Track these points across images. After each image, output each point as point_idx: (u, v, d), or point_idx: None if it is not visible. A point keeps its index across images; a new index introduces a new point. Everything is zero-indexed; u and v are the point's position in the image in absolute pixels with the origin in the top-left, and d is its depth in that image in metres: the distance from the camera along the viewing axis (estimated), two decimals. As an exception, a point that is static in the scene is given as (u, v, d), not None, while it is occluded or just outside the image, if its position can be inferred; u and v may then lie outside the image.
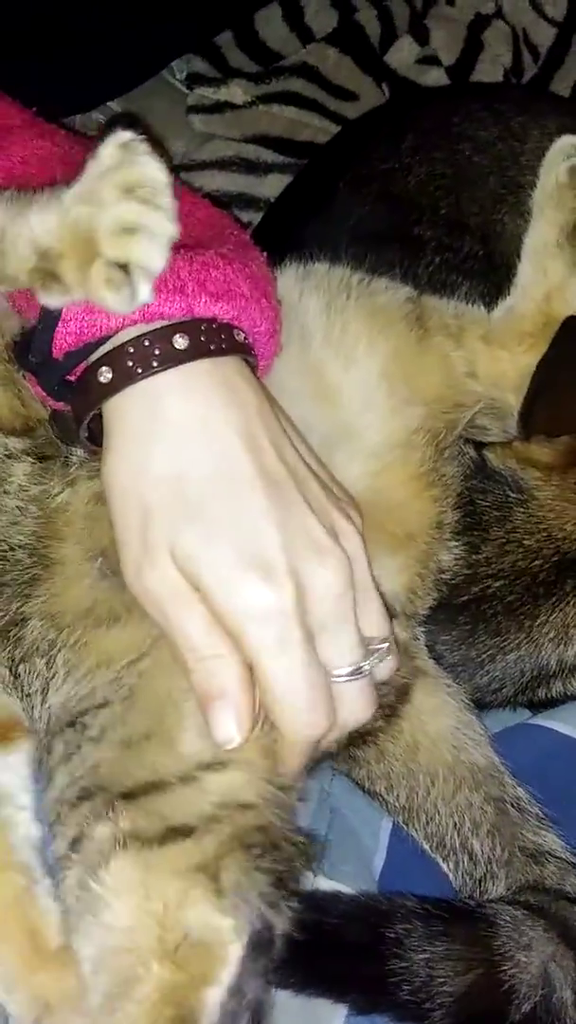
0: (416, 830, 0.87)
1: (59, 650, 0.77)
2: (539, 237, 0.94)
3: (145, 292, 0.67)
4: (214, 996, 0.65)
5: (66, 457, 0.79)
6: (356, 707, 0.73)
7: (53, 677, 0.77)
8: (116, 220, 0.66)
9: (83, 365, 0.72)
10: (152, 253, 0.66)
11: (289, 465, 0.72)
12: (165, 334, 0.70)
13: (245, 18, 1.49)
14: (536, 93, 1.48)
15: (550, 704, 1.00)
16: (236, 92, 1.45)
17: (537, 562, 0.95)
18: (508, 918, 0.78)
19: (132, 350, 0.69)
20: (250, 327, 0.75)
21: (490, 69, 1.51)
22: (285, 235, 1.18)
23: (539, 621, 0.95)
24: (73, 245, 0.68)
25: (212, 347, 0.71)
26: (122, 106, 1.40)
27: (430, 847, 0.87)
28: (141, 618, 0.74)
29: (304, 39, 1.49)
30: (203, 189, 1.33)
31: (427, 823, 0.87)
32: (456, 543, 0.94)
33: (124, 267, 0.67)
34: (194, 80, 1.47)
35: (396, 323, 0.92)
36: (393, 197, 1.18)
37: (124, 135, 0.68)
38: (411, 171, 1.21)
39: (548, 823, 0.87)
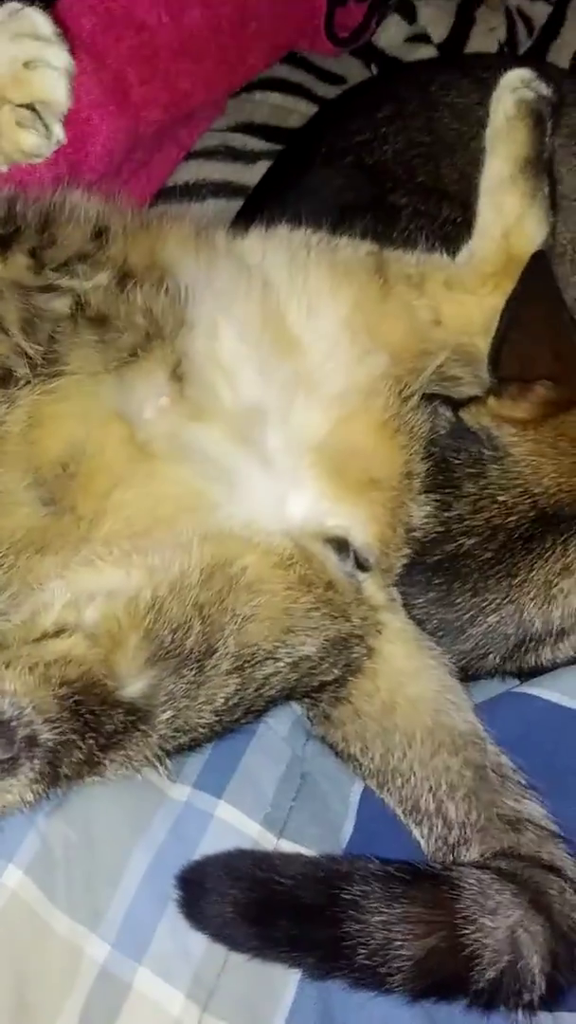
0: (390, 793, 0.84)
1: None
2: (493, 174, 0.93)
3: (59, 131, 0.67)
4: None
5: (9, 372, 0.79)
6: None
7: None
8: (12, 61, 0.67)
9: None
10: (55, 86, 0.67)
11: None
12: None
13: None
14: (523, 59, 1.45)
15: (539, 673, 0.96)
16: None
17: (513, 518, 0.92)
18: (473, 881, 0.74)
19: None
20: None
21: (484, 42, 1.50)
22: (263, 211, 1.17)
23: (518, 579, 0.91)
24: None
25: None
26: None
27: (403, 811, 0.84)
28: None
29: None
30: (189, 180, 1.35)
31: (402, 786, 0.84)
32: (427, 499, 0.91)
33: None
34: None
35: (357, 275, 0.92)
36: (368, 167, 1.17)
37: (12, 4, 0.69)
38: (387, 141, 1.20)
39: (529, 791, 0.84)
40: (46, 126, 0.68)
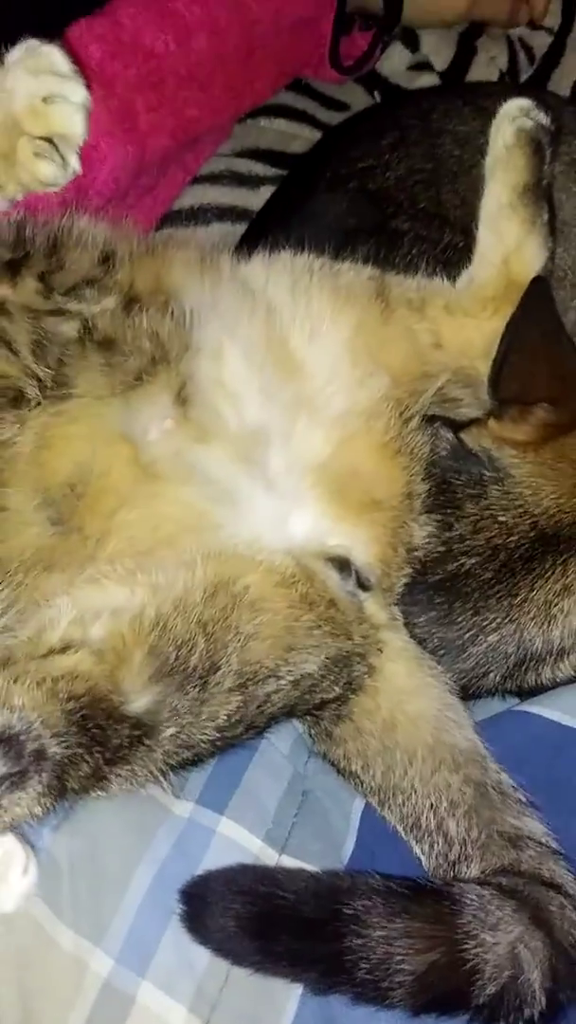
0: (391, 811, 0.85)
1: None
2: (492, 201, 0.94)
3: (75, 162, 0.69)
4: None
5: (21, 394, 0.81)
6: None
7: None
8: (31, 96, 0.69)
9: None
10: (73, 120, 0.69)
11: None
12: None
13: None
14: (524, 87, 1.48)
15: (540, 691, 0.97)
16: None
17: (513, 538, 0.93)
18: (474, 897, 0.75)
19: None
20: None
21: (485, 71, 1.53)
22: (267, 235, 1.19)
23: (519, 599, 0.92)
24: None
25: None
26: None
27: (404, 829, 0.84)
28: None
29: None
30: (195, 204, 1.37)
31: (403, 803, 0.85)
32: (428, 519, 0.92)
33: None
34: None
35: (359, 299, 0.94)
36: (371, 193, 1.19)
37: (30, 42, 0.72)
38: (389, 167, 1.22)
39: (530, 808, 0.84)
40: (62, 157, 0.71)
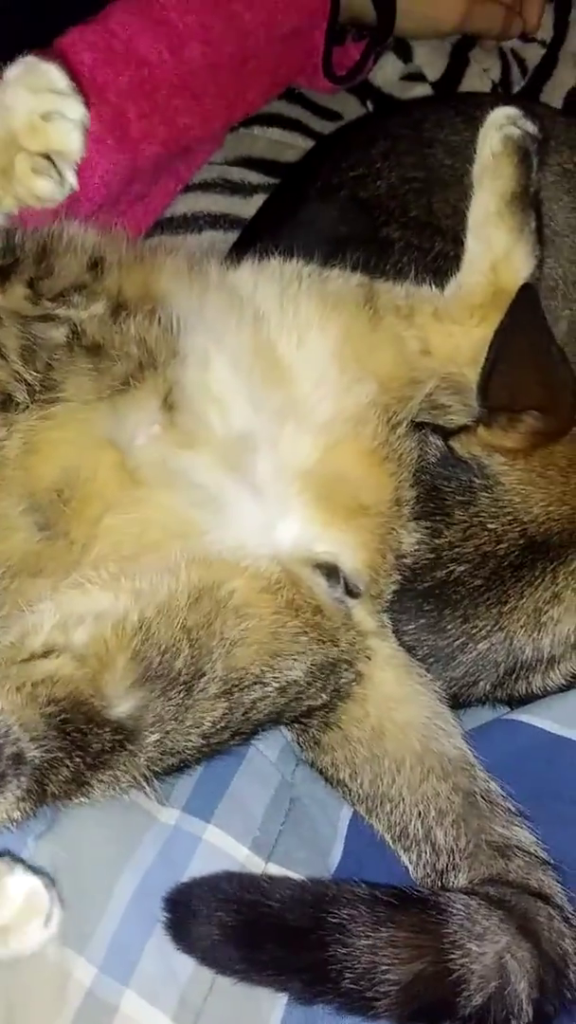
0: (379, 819, 0.85)
1: None
2: (480, 209, 0.95)
3: (72, 178, 0.70)
4: None
5: (9, 398, 0.81)
6: None
7: None
8: (29, 113, 0.70)
9: None
10: (71, 137, 0.70)
11: None
12: None
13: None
14: (515, 98, 1.48)
15: (530, 700, 0.96)
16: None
17: (502, 546, 0.92)
18: (461, 906, 0.74)
19: None
20: None
21: (478, 83, 1.53)
22: (258, 243, 1.19)
23: (508, 607, 0.92)
24: None
25: None
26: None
27: (392, 837, 0.84)
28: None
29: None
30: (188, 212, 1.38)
31: (391, 812, 0.84)
32: (417, 526, 0.92)
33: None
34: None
35: (347, 305, 0.94)
36: (361, 201, 1.20)
37: (29, 59, 0.72)
38: (381, 176, 1.22)
39: (519, 818, 0.84)
40: (60, 173, 0.72)
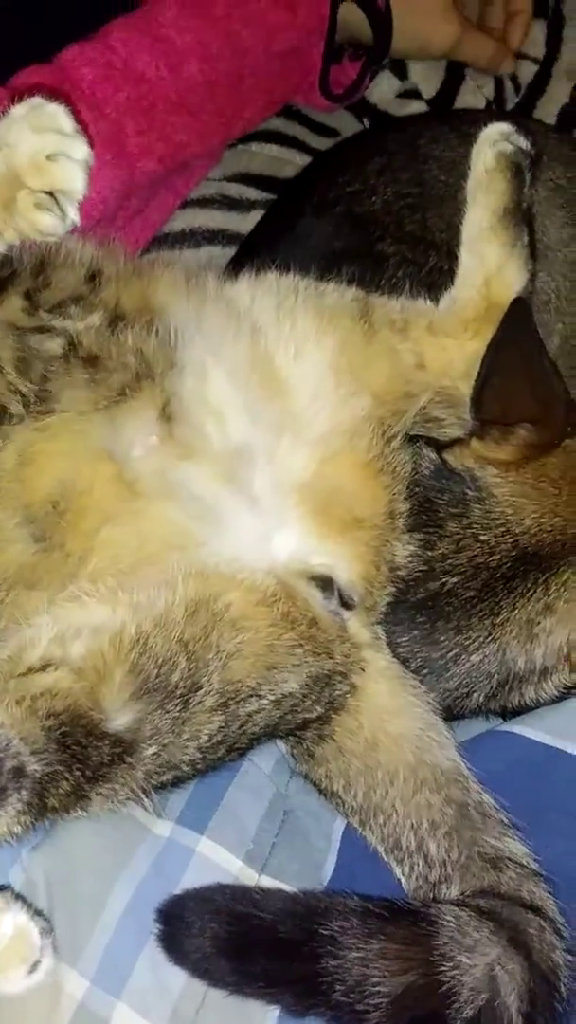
0: (372, 831, 0.85)
1: None
2: (474, 224, 0.96)
3: (74, 214, 0.71)
4: None
5: (4, 409, 0.81)
6: None
7: None
8: (34, 152, 0.71)
9: None
10: (75, 176, 0.71)
11: None
12: None
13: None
14: (509, 115, 1.49)
15: (523, 712, 0.96)
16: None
17: (495, 557, 0.93)
18: (451, 918, 0.74)
19: None
20: None
21: (472, 100, 1.54)
22: (255, 258, 1.20)
23: (501, 618, 0.93)
24: None
25: None
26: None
27: (385, 849, 0.84)
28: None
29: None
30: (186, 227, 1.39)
31: (384, 823, 0.84)
32: (411, 538, 0.93)
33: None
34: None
35: (343, 319, 0.94)
36: (358, 217, 1.20)
37: (35, 99, 0.74)
38: (376, 192, 1.23)
39: (512, 829, 0.84)
40: (62, 210, 0.74)
